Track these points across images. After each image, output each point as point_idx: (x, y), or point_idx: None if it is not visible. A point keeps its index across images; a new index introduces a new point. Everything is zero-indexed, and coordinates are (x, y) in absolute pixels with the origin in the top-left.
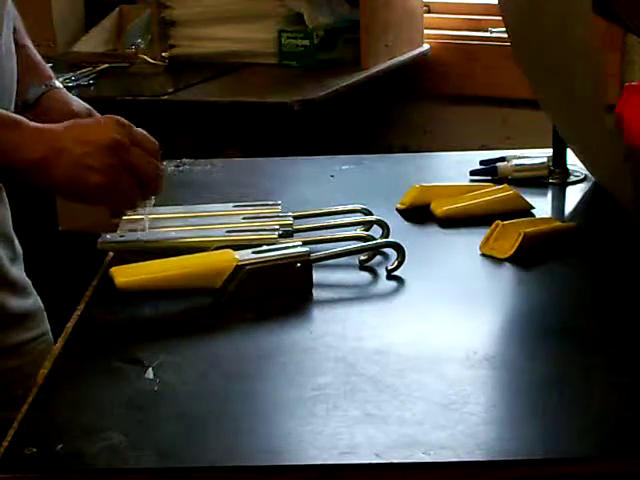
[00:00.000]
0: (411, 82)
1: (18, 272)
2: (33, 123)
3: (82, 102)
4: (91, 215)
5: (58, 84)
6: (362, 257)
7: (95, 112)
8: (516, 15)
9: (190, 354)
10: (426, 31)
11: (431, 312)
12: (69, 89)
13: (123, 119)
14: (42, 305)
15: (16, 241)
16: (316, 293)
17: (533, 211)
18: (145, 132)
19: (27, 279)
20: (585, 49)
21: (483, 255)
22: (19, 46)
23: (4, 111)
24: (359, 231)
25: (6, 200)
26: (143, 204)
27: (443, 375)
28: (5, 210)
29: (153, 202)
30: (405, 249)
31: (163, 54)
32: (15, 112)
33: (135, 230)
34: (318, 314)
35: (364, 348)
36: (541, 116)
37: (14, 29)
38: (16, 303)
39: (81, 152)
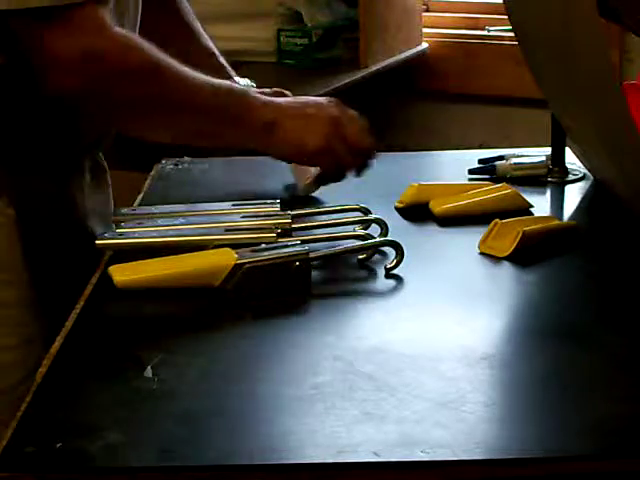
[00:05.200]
0: (410, 81)
1: None
2: (258, 94)
3: None
4: None
5: (241, 81)
6: (361, 256)
7: None
8: (522, 13)
9: (189, 353)
10: (425, 30)
11: (430, 311)
12: None
13: (338, 100)
14: None
15: None
16: (315, 292)
17: (532, 210)
18: (356, 114)
19: None
20: (591, 27)
21: (482, 254)
22: (208, 55)
23: (231, 83)
24: (358, 230)
25: (109, 184)
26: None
27: (442, 374)
28: (108, 192)
29: None
30: (404, 248)
31: None
32: None
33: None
34: (316, 313)
35: (362, 347)
36: (540, 114)
37: (199, 34)
38: None
39: (304, 120)
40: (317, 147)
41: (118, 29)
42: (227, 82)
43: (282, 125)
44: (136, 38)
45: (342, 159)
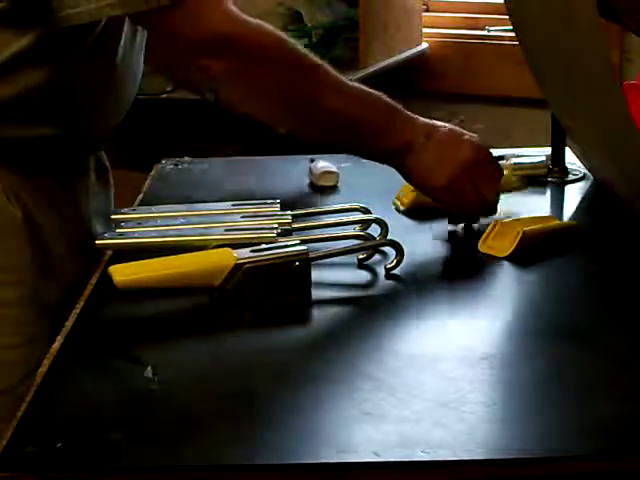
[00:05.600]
0: (410, 81)
1: None
2: (405, 111)
3: None
4: None
5: None
6: (361, 256)
7: None
8: (523, 12)
9: (189, 352)
10: (425, 30)
11: (429, 311)
12: None
13: (484, 145)
14: None
15: None
16: (314, 292)
17: (531, 209)
18: (495, 160)
19: None
20: (592, 30)
21: (482, 254)
22: None
23: (376, 93)
24: (358, 230)
25: (112, 183)
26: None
27: (442, 374)
28: (111, 192)
29: None
30: (404, 248)
31: None
32: None
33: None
34: (316, 313)
35: (362, 347)
36: (540, 114)
37: None
38: None
39: (438, 156)
40: (440, 185)
41: (244, 16)
42: (377, 94)
43: (415, 150)
44: (265, 25)
45: (470, 201)
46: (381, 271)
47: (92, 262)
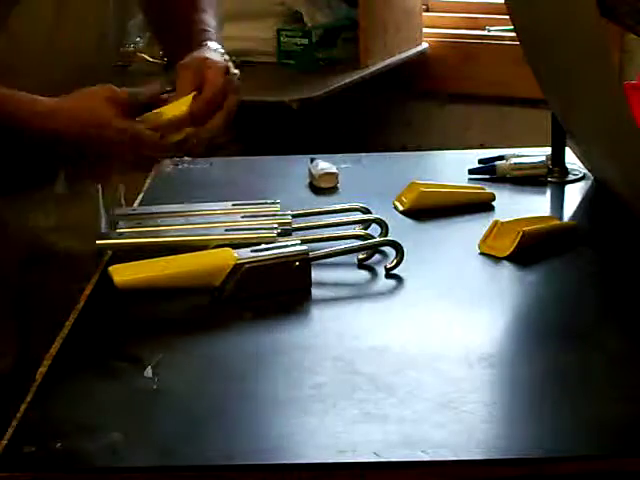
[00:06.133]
0: (410, 81)
1: None
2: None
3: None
4: None
5: (213, 46)
6: (361, 256)
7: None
8: (524, 12)
9: (189, 353)
10: (425, 30)
11: (430, 311)
12: None
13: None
14: None
15: None
16: (314, 292)
17: (531, 209)
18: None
19: None
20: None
21: (482, 254)
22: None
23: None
24: (358, 230)
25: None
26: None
27: (442, 374)
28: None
29: None
30: (403, 248)
31: (162, 52)
32: None
33: None
34: (316, 313)
35: (362, 347)
36: (540, 114)
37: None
38: None
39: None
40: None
41: None
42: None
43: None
44: None
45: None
46: (381, 271)
47: (46, 275)
